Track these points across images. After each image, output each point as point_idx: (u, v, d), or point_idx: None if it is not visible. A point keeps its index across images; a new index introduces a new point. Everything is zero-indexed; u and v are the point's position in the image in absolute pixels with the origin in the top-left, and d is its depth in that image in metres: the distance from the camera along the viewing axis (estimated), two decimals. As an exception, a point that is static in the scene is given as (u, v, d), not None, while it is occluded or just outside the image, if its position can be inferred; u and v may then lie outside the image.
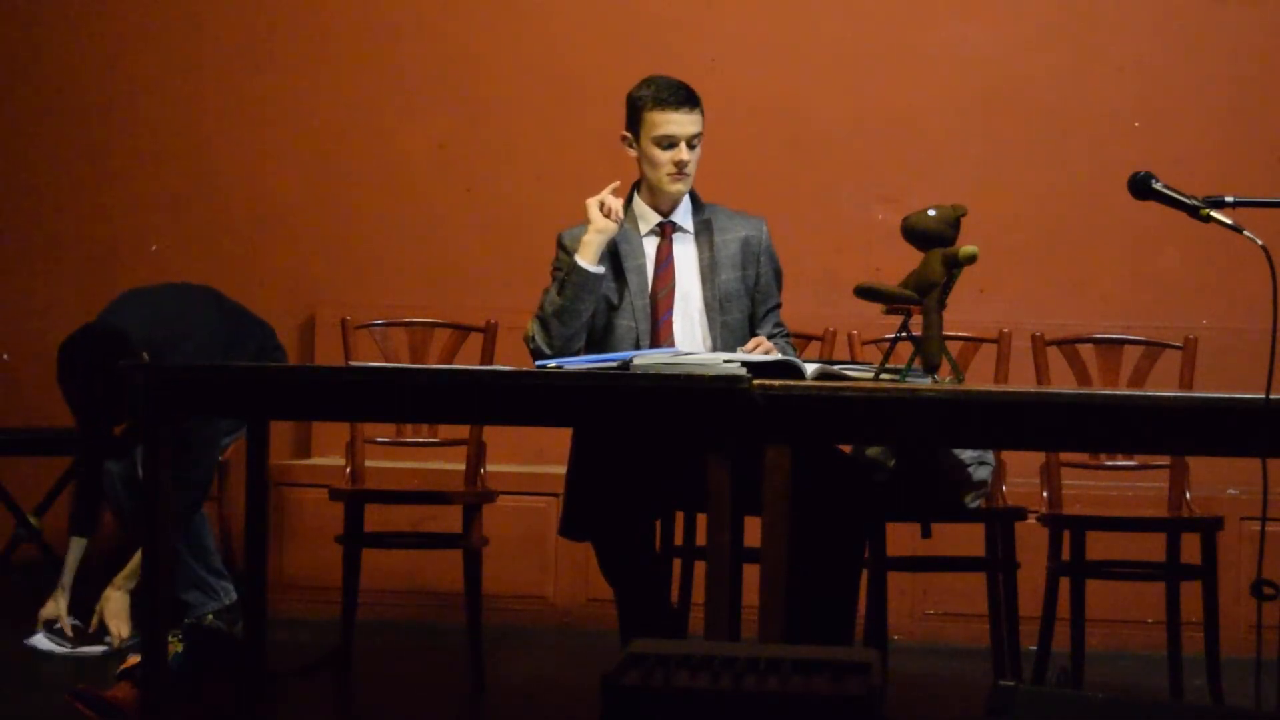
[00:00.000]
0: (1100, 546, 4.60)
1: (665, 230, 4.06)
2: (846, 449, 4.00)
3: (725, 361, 3.21)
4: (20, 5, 6.41)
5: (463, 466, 4.75)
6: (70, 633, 4.86)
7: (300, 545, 5.58)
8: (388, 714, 4.27)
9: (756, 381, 3.06)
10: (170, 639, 3.64)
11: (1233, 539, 5.04)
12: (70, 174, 6.37)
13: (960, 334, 4.57)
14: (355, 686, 4.49)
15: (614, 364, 3.31)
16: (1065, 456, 4.54)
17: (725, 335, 4.00)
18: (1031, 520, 4.53)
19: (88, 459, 5.01)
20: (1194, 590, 4.39)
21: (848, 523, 3.78)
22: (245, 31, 6.32)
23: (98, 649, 4.82)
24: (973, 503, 4.11)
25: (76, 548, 4.98)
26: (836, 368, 3.39)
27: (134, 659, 3.91)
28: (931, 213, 3.31)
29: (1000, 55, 6.04)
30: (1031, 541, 4.75)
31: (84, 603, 4.95)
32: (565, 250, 3.99)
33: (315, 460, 5.96)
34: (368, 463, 4.78)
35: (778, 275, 4.13)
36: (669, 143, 3.96)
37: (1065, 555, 4.41)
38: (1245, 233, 3.09)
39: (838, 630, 3.74)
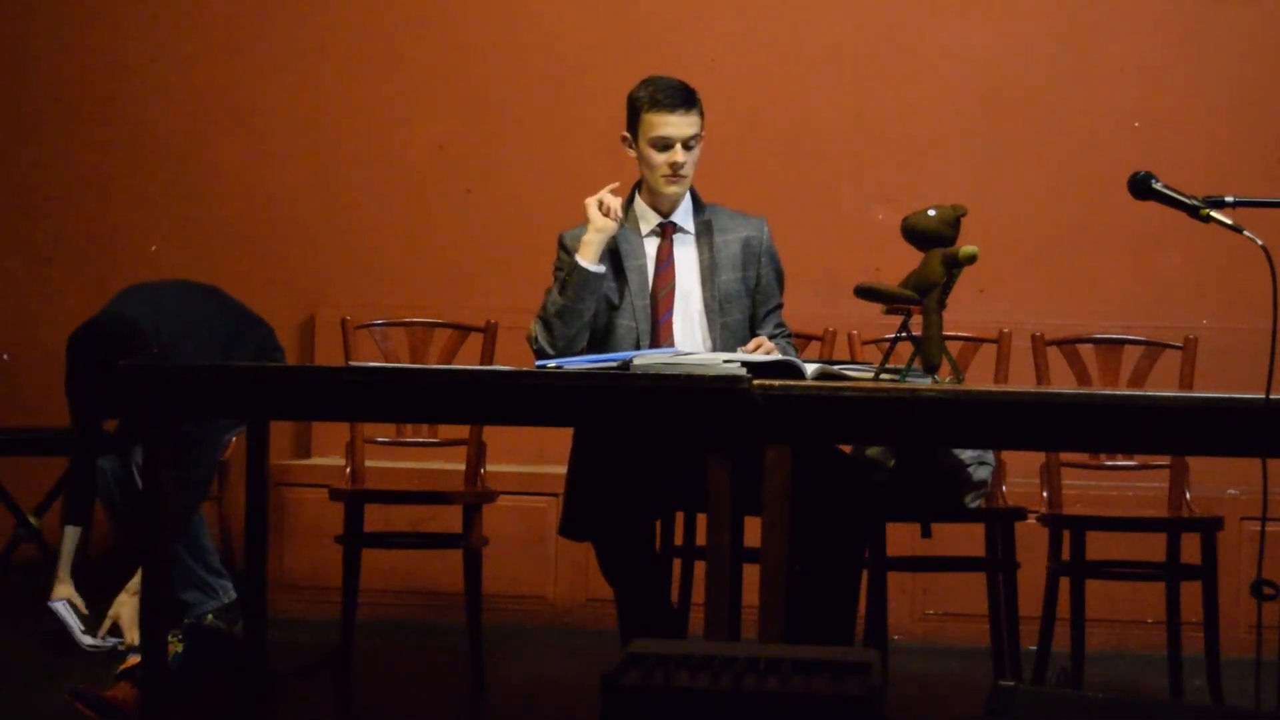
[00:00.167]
0: (1100, 546, 4.60)
1: (666, 231, 4.06)
2: (846, 449, 4.00)
3: (725, 361, 3.21)
4: (20, 5, 6.41)
5: (463, 466, 4.75)
6: (84, 610, 4.83)
7: (300, 545, 5.58)
8: (388, 714, 4.28)
9: (756, 381, 3.06)
10: (170, 639, 3.64)
11: (1233, 539, 5.03)
12: (70, 174, 6.37)
13: (960, 334, 4.57)
14: (355, 686, 4.49)
15: (614, 364, 3.31)
16: (1065, 456, 4.54)
17: (725, 336, 4.00)
18: (1031, 520, 4.53)
19: (81, 452, 4.99)
20: (1194, 590, 4.39)
21: (848, 523, 3.78)
22: (245, 31, 6.31)
23: (107, 642, 4.80)
24: (973, 503, 4.11)
25: (71, 536, 4.95)
26: (836, 368, 3.39)
27: (134, 659, 3.91)
28: (931, 213, 3.31)
29: (1000, 55, 6.04)
30: (1031, 541, 4.75)
31: (87, 602, 4.95)
32: (566, 251, 3.99)
33: (315, 460, 5.96)
34: (368, 463, 4.78)
35: (779, 276, 4.13)
36: (664, 144, 3.96)
37: (1065, 555, 4.41)
38: (1245, 233, 3.09)
39: (838, 630, 3.74)
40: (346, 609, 4.51)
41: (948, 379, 3.35)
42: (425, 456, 5.19)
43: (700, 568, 4.22)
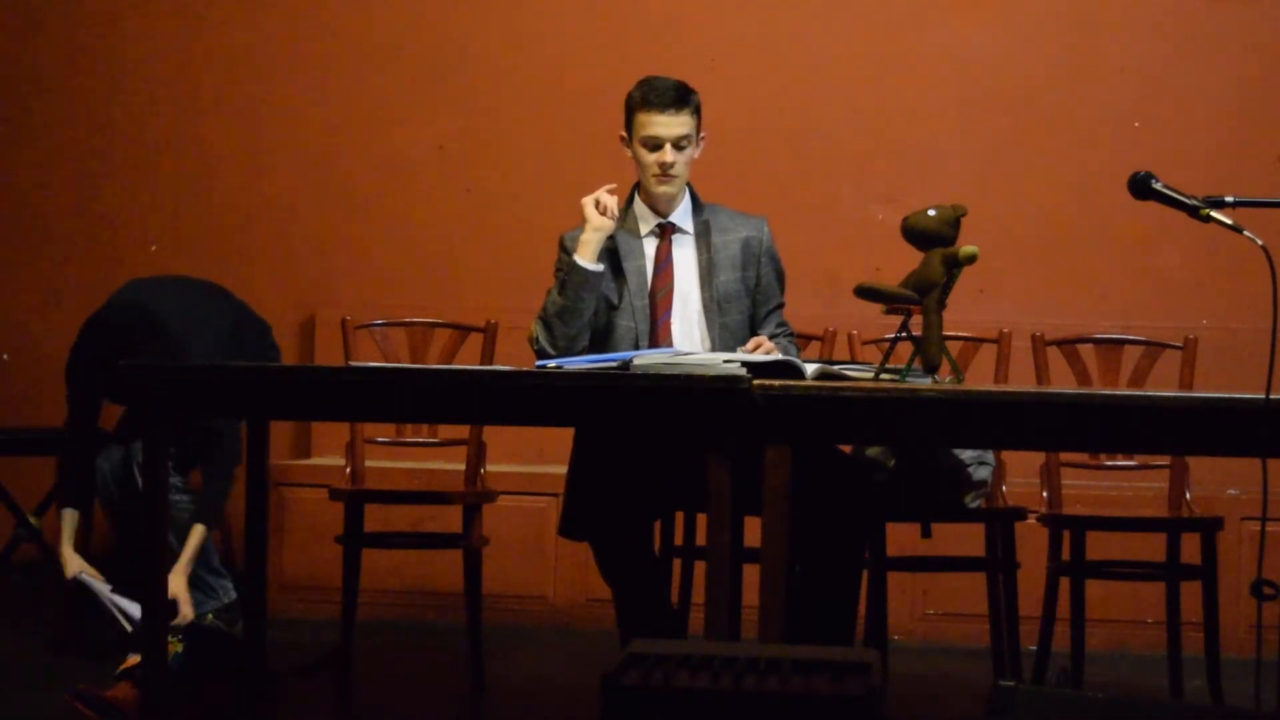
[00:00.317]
0: (1100, 546, 4.60)
1: (665, 231, 4.06)
2: (846, 449, 4.00)
3: (725, 362, 3.21)
4: (20, 5, 6.41)
5: (463, 466, 4.75)
6: (101, 579, 4.79)
7: (300, 545, 5.58)
8: (388, 714, 4.28)
9: (756, 381, 3.06)
10: (170, 639, 3.64)
11: (1233, 539, 5.04)
12: (70, 174, 6.37)
13: (960, 334, 4.57)
14: (355, 686, 4.49)
15: (614, 364, 3.31)
16: (1065, 456, 4.54)
17: (724, 336, 4.00)
18: (1031, 520, 4.53)
19: (75, 440, 4.95)
20: (1194, 590, 4.39)
21: (848, 523, 3.78)
22: (245, 32, 6.31)
23: (133, 606, 4.75)
24: (973, 503, 4.11)
25: (70, 518, 4.87)
26: (836, 368, 3.39)
27: (134, 659, 3.91)
28: (931, 213, 3.31)
29: (1000, 55, 6.04)
30: (1031, 541, 4.75)
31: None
32: (566, 252, 4.00)
33: (315, 460, 5.96)
34: (368, 463, 4.78)
35: (780, 275, 4.13)
36: (654, 144, 3.96)
37: (1065, 555, 4.41)
38: (1245, 233, 3.09)
39: (838, 630, 3.74)
40: (346, 609, 4.51)
41: (948, 379, 3.35)
42: (425, 456, 5.19)
43: (700, 568, 4.22)
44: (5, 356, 6.35)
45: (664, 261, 4.03)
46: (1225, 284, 5.78)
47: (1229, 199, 3.16)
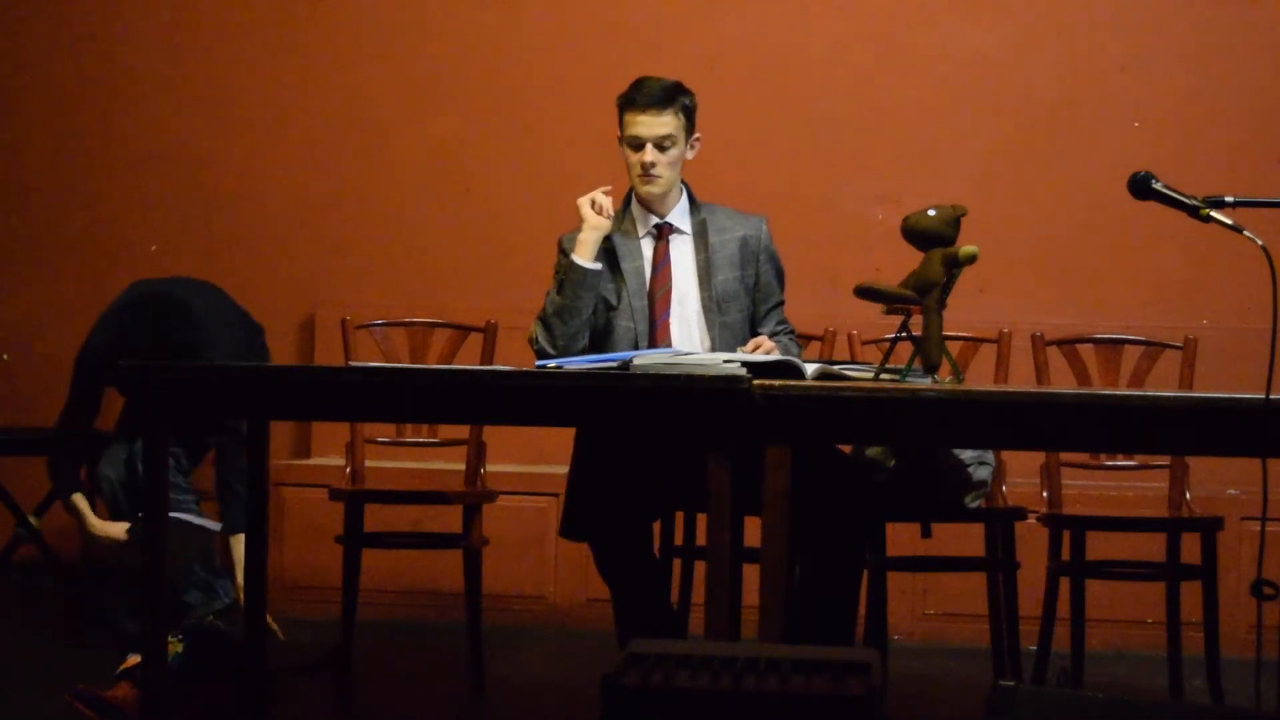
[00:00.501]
0: (1100, 546, 4.60)
1: (662, 231, 4.06)
2: (846, 449, 4.00)
3: (725, 361, 3.21)
4: (21, 5, 6.41)
5: (463, 466, 4.75)
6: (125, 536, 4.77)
7: (300, 545, 5.58)
8: (388, 714, 4.28)
9: (756, 381, 3.06)
10: (170, 639, 3.64)
11: (1233, 539, 5.03)
12: (70, 174, 6.37)
13: (960, 334, 4.57)
14: (355, 686, 4.48)
15: (614, 364, 3.31)
16: (1065, 456, 4.54)
17: (724, 335, 4.00)
18: (1031, 520, 4.53)
19: (66, 438, 4.92)
20: (1194, 590, 4.39)
21: (848, 523, 3.78)
22: (246, 32, 6.32)
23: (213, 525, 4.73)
24: (973, 503, 4.11)
25: (80, 499, 4.86)
26: (836, 368, 3.39)
27: (134, 659, 3.90)
28: (931, 213, 3.31)
29: (1000, 55, 6.04)
30: (1031, 541, 4.75)
31: (87, 603, 4.95)
32: (564, 253, 4.00)
33: (315, 460, 5.96)
34: (368, 463, 4.78)
35: (779, 273, 4.13)
36: (637, 144, 3.96)
37: (1065, 555, 4.41)
38: (1245, 233, 3.09)
39: (838, 630, 3.74)
40: (346, 609, 4.51)
41: (948, 379, 3.35)
42: (425, 456, 5.19)
43: (700, 568, 4.22)
44: (5, 356, 6.35)
45: (661, 261, 4.03)
46: (1225, 284, 5.78)
47: (1229, 199, 3.16)
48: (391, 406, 3.41)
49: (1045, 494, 4.53)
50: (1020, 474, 4.83)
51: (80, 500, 4.90)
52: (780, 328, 4.08)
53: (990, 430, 3.16)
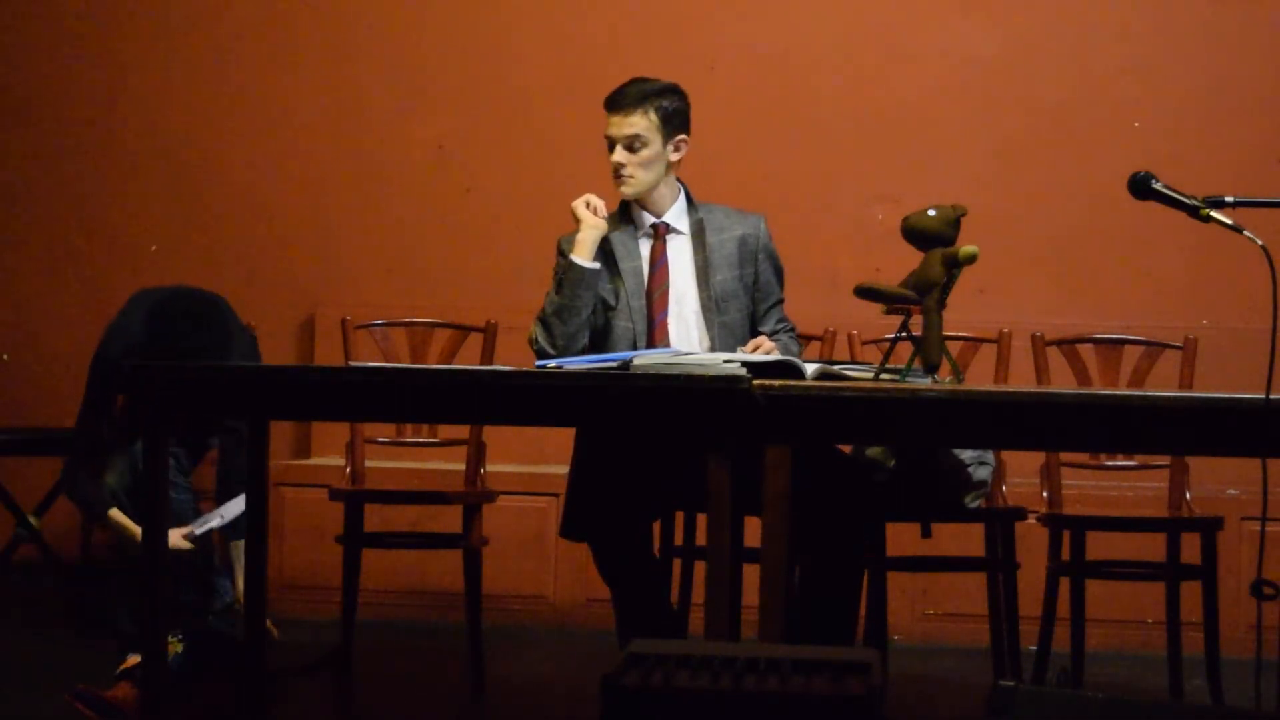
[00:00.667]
0: (1100, 546, 4.60)
1: (659, 231, 4.06)
2: (846, 449, 4.00)
3: (725, 361, 3.21)
4: (21, 7, 6.41)
5: (463, 466, 4.75)
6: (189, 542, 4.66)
7: (300, 545, 5.58)
8: (388, 714, 4.28)
9: (756, 381, 3.06)
10: (170, 639, 3.64)
11: (1233, 539, 5.03)
12: (69, 174, 6.37)
13: (960, 334, 4.57)
14: (355, 686, 4.48)
15: (614, 364, 3.31)
16: (1065, 456, 4.54)
17: (723, 335, 4.00)
18: (1031, 520, 4.53)
19: (90, 441, 4.88)
20: (1194, 590, 4.39)
21: (848, 523, 3.78)
22: (246, 32, 6.32)
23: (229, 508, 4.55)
24: (973, 503, 4.11)
25: (119, 514, 4.71)
26: (836, 368, 3.39)
27: (134, 659, 3.91)
28: (931, 213, 3.31)
29: (1001, 55, 6.04)
30: (1031, 541, 4.75)
31: (88, 604, 4.95)
32: (563, 254, 4.01)
33: (315, 460, 5.96)
34: (368, 463, 4.78)
35: (778, 272, 4.13)
36: (609, 145, 3.98)
37: (1065, 555, 4.41)
38: (1245, 233, 3.09)
39: (838, 630, 3.74)
40: (346, 609, 4.51)
41: (948, 379, 3.35)
42: (425, 456, 5.19)
43: (700, 568, 4.22)
44: (5, 356, 6.35)
45: (659, 261, 4.04)
46: (1225, 284, 5.78)
47: (1229, 199, 3.15)
48: (391, 406, 3.40)
49: (1045, 494, 4.53)
50: (1020, 474, 4.83)
51: (117, 514, 4.83)
52: (781, 326, 4.09)
53: (990, 430, 3.16)
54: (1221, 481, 5.25)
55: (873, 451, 3.99)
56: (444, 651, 4.97)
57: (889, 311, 3.48)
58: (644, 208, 4.06)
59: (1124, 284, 5.93)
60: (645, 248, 4.06)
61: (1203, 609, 4.35)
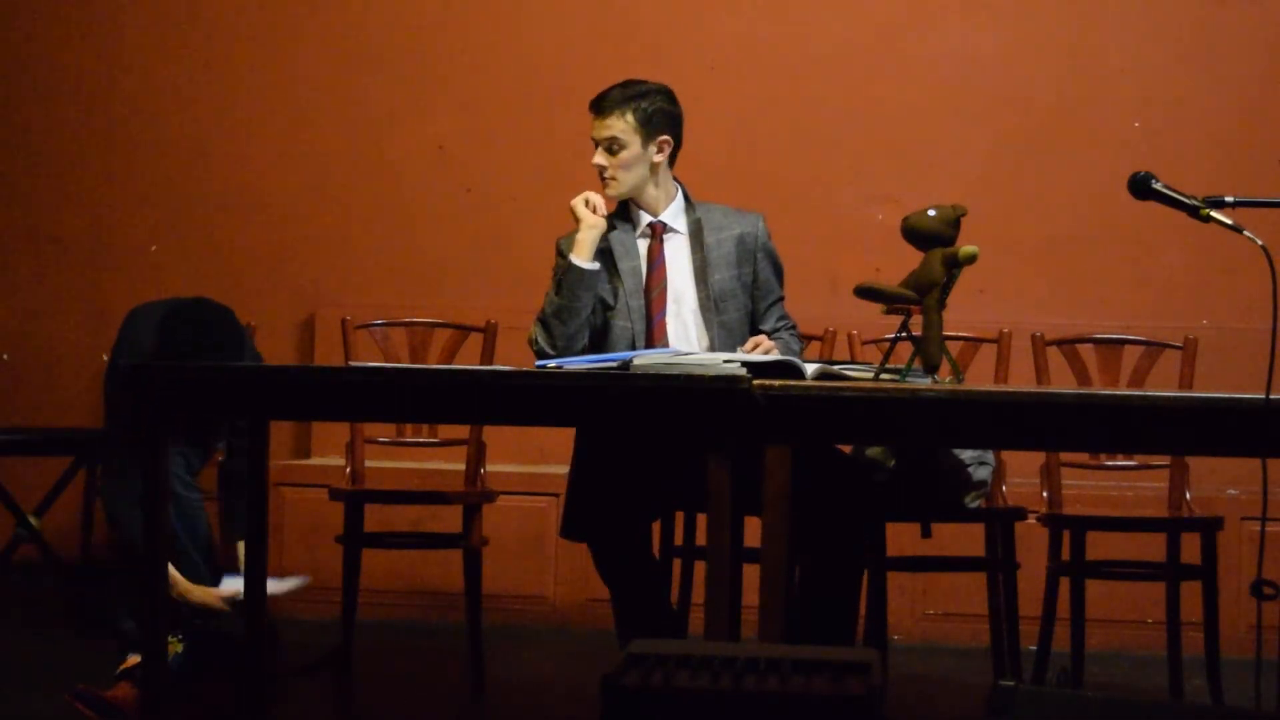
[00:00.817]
0: (1100, 546, 4.60)
1: (656, 230, 4.06)
2: (846, 449, 4.00)
3: (725, 361, 3.21)
4: (20, 5, 6.41)
5: (463, 466, 4.75)
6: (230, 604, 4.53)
7: (300, 545, 5.58)
8: (388, 714, 4.28)
9: (756, 381, 3.06)
10: (170, 639, 3.64)
11: (1233, 539, 5.03)
12: (70, 174, 6.37)
13: (960, 334, 4.57)
14: (355, 686, 4.49)
15: (614, 364, 3.31)
16: (1065, 456, 4.54)
17: (723, 334, 4.00)
18: (1031, 520, 4.53)
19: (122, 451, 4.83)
20: (1194, 590, 4.39)
21: (848, 523, 3.78)
22: (245, 32, 6.31)
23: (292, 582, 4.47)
24: (973, 503, 4.11)
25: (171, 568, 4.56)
26: (836, 368, 3.39)
27: (134, 659, 3.91)
28: (931, 213, 3.31)
29: (1000, 56, 6.04)
30: (1031, 541, 4.75)
31: (91, 605, 4.94)
32: (562, 255, 4.01)
33: (315, 460, 5.96)
34: (368, 463, 4.78)
35: (777, 270, 4.12)
36: (595, 146, 3.98)
37: (1065, 555, 4.41)
38: (1245, 233, 3.09)
39: (838, 630, 3.74)
40: (346, 609, 4.51)
41: (948, 379, 3.35)
42: (425, 456, 5.19)
43: (700, 568, 4.22)
44: (5, 356, 6.35)
45: (656, 261, 4.03)
46: (1225, 284, 5.78)
47: (1229, 199, 3.15)
48: (391, 406, 3.40)
49: (1045, 494, 4.53)
50: (1020, 474, 4.83)
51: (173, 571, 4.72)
52: (781, 324, 4.08)
53: (990, 430, 3.16)
54: (1221, 481, 5.25)
55: (873, 451, 3.99)
56: (444, 651, 4.97)
57: (889, 311, 3.48)
58: (640, 207, 4.07)
59: (1124, 284, 5.94)
60: (643, 247, 4.06)
61: (1203, 609, 4.35)
